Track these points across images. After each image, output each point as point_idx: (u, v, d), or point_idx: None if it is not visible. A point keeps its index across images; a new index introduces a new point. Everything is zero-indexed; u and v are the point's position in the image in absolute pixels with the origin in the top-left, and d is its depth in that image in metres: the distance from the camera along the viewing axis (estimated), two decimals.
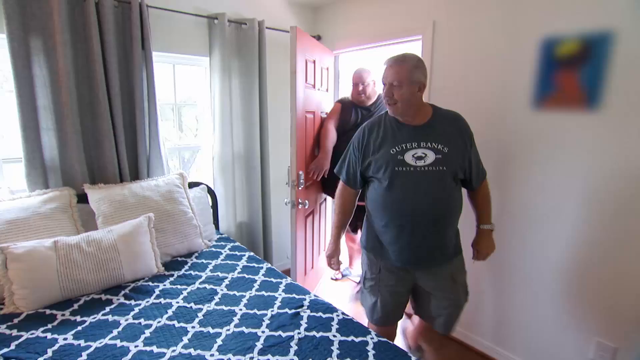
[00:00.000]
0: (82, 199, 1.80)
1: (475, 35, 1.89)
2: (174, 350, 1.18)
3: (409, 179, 1.36)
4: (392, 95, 1.36)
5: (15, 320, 1.31)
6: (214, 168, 2.43)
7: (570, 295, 1.68)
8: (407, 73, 1.33)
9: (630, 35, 1.41)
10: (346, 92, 2.60)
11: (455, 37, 1.98)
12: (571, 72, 1.58)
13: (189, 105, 2.51)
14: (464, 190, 1.52)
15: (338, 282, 2.86)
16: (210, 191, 2.35)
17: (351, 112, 2.36)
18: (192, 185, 2.21)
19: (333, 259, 1.66)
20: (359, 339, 1.26)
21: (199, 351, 1.18)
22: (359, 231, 2.33)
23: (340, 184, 1.60)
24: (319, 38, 2.83)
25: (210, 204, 2.30)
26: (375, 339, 1.26)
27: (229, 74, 2.33)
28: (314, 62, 2.33)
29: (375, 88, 2.37)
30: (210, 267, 1.79)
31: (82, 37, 1.80)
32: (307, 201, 2.16)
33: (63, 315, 1.36)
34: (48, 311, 1.38)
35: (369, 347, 1.22)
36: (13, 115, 1.70)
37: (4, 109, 1.85)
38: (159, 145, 2.09)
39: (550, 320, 1.75)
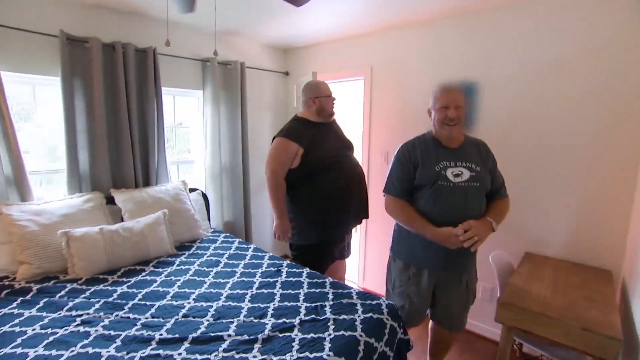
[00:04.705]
0: (107, 200, 2.35)
1: (399, 77, 2.72)
2: (200, 290, 1.79)
3: (448, 192, 1.56)
4: (457, 115, 1.52)
5: (80, 282, 1.85)
6: (206, 177, 3.04)
7: None
8: (463, 97, 1.57)
9: (485, 85, 2.28)
10: None
11: (385, 78, 2.80)
12: None
13: (183, 127, 3.11)
14: None
15: None
16: (204, 195, 2.95)
17: (322, 134, 2.12)
18: (190, 190, 2.81)
19: None
20: (321, 280, 1.94)
21: (217, 290, 1.80)
22: None
23: (391, 199, 1.69)
24: (287, 74, 3.57)
25: (204, 205, 2.90)
26: (330, 280, 1.94)
27: (218, 103, 2.98)
28: None
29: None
30: (212, 248, 2.40)
31: (110, 77, 2.39)
32: None
33: (112, 278, 1.92)
34: (101, 276, 1.92)
35: (327, 285, 1.89)
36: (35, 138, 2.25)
37: (29, 134, 2.37)
38: (165, 159, 2.68)
39: None
